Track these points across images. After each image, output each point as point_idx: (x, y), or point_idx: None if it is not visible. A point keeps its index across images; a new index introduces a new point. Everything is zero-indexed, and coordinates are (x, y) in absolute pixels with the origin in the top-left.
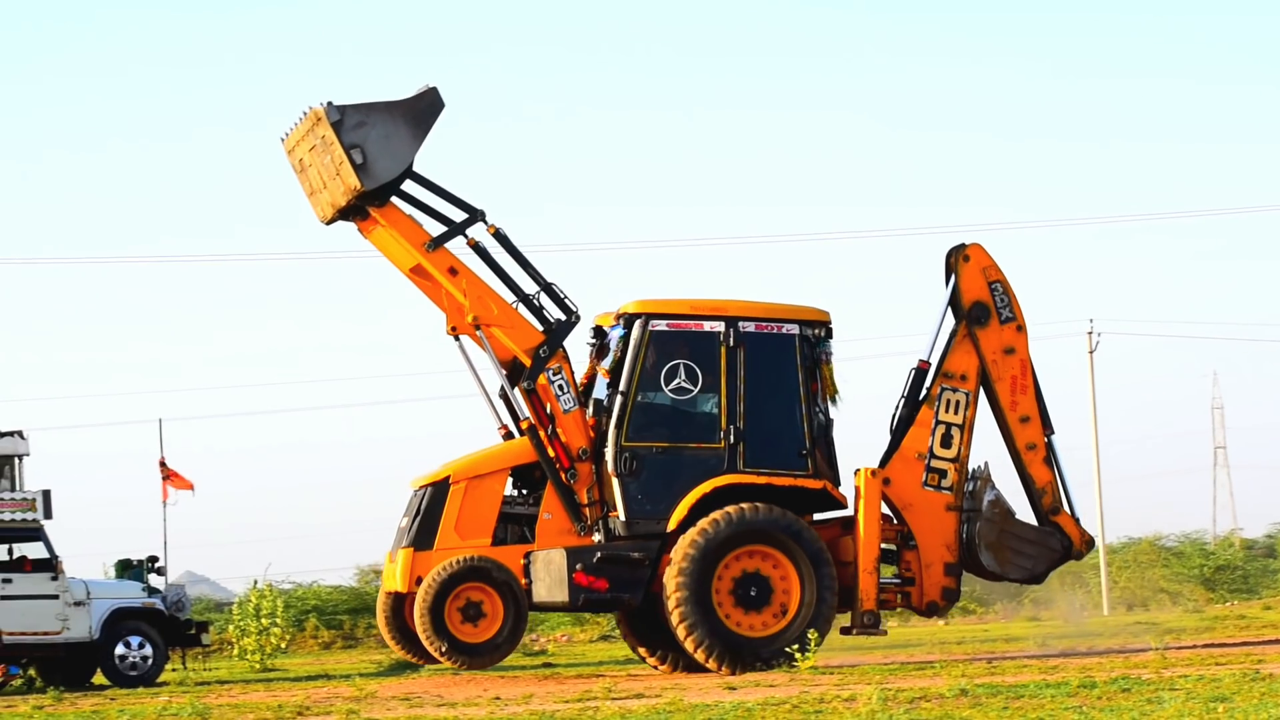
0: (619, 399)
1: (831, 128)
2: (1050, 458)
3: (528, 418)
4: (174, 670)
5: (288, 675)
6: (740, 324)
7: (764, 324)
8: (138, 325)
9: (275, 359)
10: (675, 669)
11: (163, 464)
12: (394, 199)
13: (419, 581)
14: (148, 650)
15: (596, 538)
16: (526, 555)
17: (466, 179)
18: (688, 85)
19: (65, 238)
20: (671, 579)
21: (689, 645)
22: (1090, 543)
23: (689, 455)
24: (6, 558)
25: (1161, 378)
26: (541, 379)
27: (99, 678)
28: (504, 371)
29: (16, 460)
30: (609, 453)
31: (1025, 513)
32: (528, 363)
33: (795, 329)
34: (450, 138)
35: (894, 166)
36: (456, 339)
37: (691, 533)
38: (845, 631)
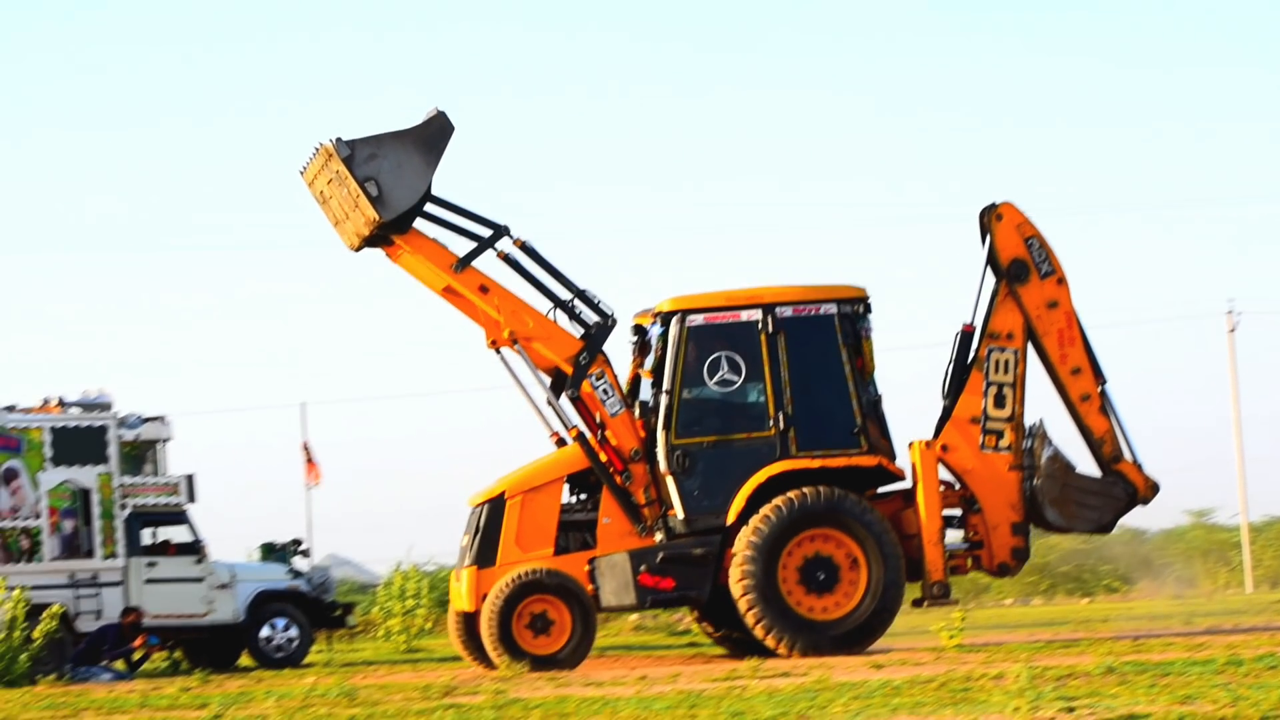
0: (664, 398)
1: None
2: (1106, 407)
3: (576, 425)
4: (319, 652)
5: (433, 656)
6: (777, 310)
7: (801, 307)
8: (282, 310)
9: (417, 342)
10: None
11: (306, 448)
12: (417, 223)
13: (484, 599)
14: (293, 632)
15: (658, 537)
16: (590, 561)
17: (489, 178)
18: (715, 65)
19: (214, 223)
20: (737, 572)
21: (761, 634)
22: (1155, 488)
23: (740, 446)
24: (151, 541)
25: None
26: (585, 386)
27: (244, 659)
28: (549, 381)
29: (160, 445)
30: (660, 452)
31: (1086, 465)
32: (569, 371)
33: (834, 308)
34: (471, 138)
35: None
36: (497, 352)
37: (751, 524)
38: (917, 604)
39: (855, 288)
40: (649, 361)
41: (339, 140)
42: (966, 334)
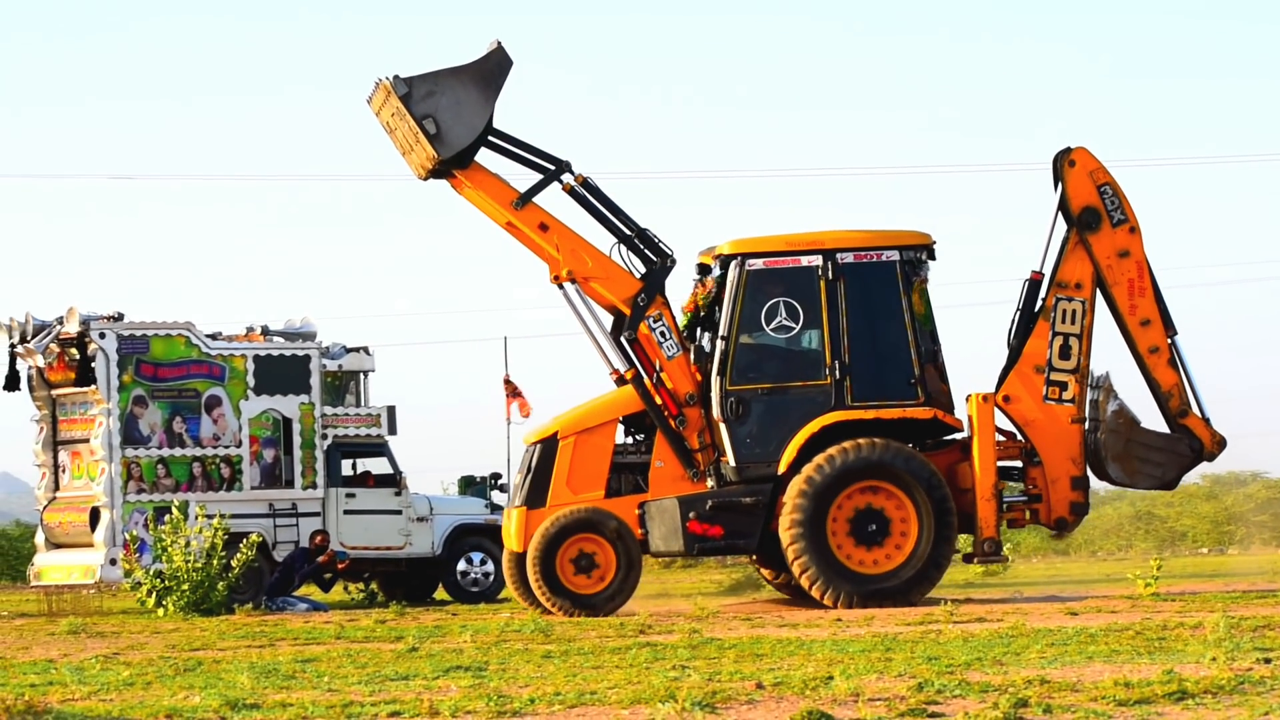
0: (720, 343)
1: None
2: (1175, 360)
3: (633, 366)
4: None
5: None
6: (838, 255)
7: (863, 253)
8: (483, 244)
9: None
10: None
11: (507, 382)
12: (481, 157)
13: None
14: (489, 566)
15: (710, 484)
16: (641, 505)
17: (555, 119)
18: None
19: None
20: (786, 522)
21: (808, 586)
22: (1222, 443)
23: (795, 394)
24: (351, 473)
25: None
26: (642, 328)
27: (440, 593)
28: (610, 319)
29: (362, 376)
30: (714, 398)
31: (1152, 418)
32: (628, 312)
33: (896, 254)
34: (532, 81)
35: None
36: (561, 287)
37: (802, 474)
38: (967, 560)
39: (919, 233)
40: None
41: (396, 78)
42: (1034, 282)
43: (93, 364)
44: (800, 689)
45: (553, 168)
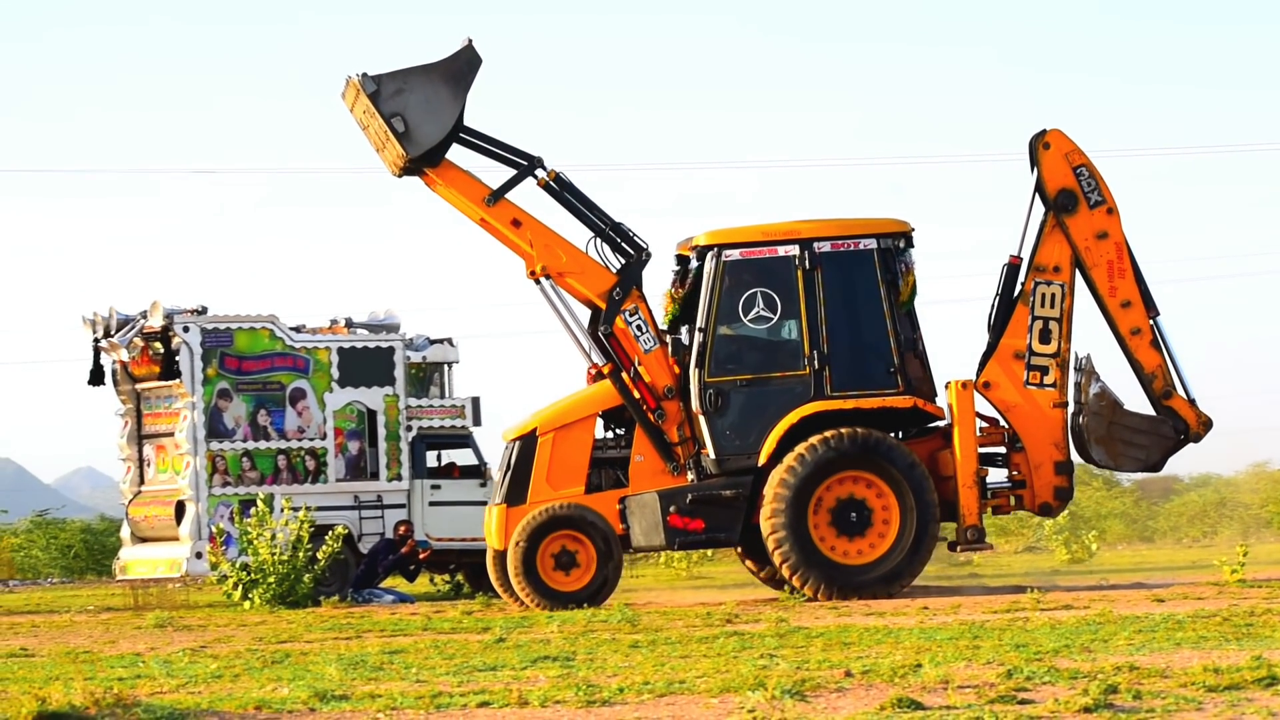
0: (698, 335)
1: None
2: (1157, 341)
3: (610, 361)
4: None
5: (714, 583)
6: (815, 245)
7: (840, 242)
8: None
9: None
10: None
11: (592, 371)
12: (451, 156)
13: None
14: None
15: (690, 477)
16: (621, 500)
17: (528, 113)
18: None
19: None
20: (767, 513)
21: (789, 576)
22: (1208, 424)
23: (775, 385)
24: (436, 464)
25: None
26: (619, 322)
27: None
28: (589, 315)
29: (446, 368)
30: (693, 390)
31: (1136, 401)
32: (604, 306)
33: (873, 243)
34: (502, 75)
35: None
36: (538, 283)
37: (782, 465)
38: (951, 548)
39: (897, 221)
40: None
41: (365, 76)
42: (1013, 267)
43: (177, 358)
44: (889, 677)
45: (525, 164)
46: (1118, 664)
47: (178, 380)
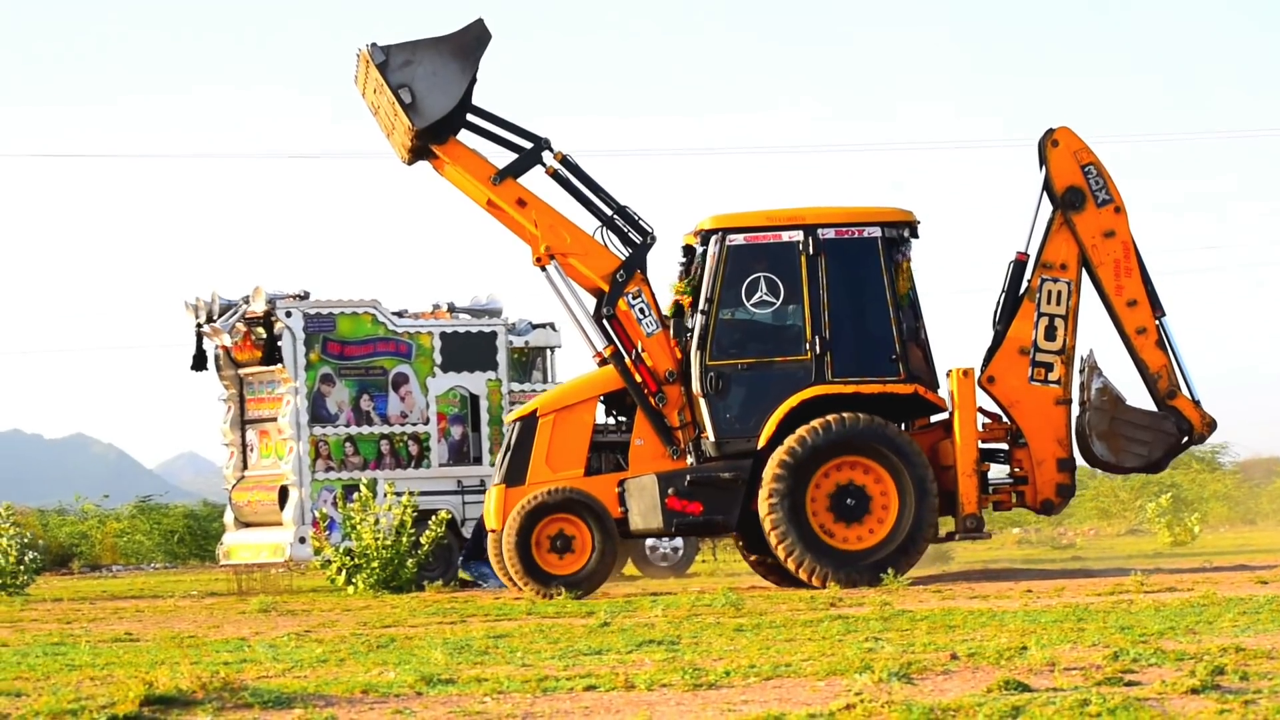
0: (700, 318)
1: None
2: (1162, 341)
3: (611, 344)
4: (703, 562)
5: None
6: (819, 231)
7: (844, 229)
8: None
9: None
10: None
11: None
12: (460, 135)
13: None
14: (678, 541)
15: (689, 461)
16: (621, 483)
17: (536, 95)
18: None
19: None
20: (765, 497)
21: (786, 562)
22: (1212, 424)
23: (776, 370)
24: None
25: None
26: (621, 305)
27: (629, 568)
28: (594, 298)
29: (549, 352)
30: (694, 373)
31: (1140, 400)
32: (607, 290)
33: (878, 231)
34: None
35: None
36: (543, 269)
37: (781, 449)
38: (949, 537)
39: (901, 210)
40: (685, 282)
41: (374, 46)
42: (1020, 263)
43: (279, 343)
44: (995, 659)
45: (532, 144)
46: (1223, 645)
47: (280, 365)
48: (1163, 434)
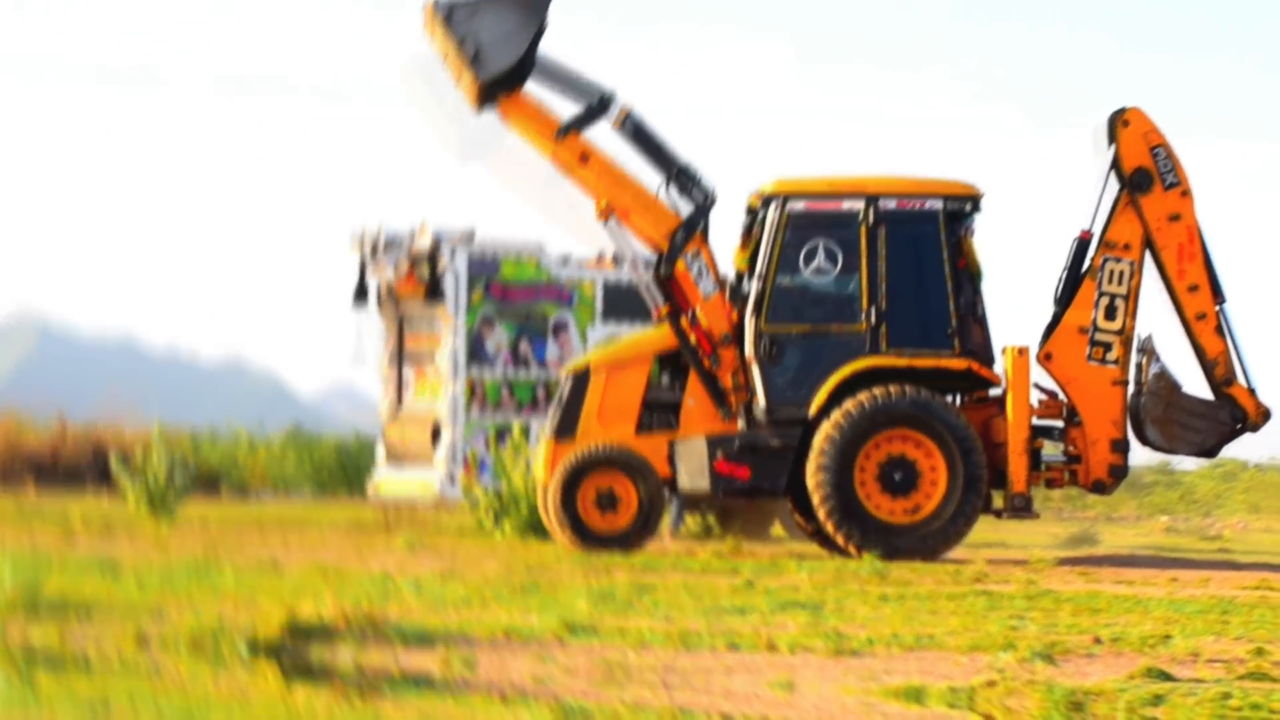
0: (757, 283)
1: None
2: (1222, 327)
3: (669, 303)
4: None
5: (965, 541)
6: (881, 201)
7: (906, 200)
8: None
9: None
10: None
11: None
12: (526, 87)
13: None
14: None
15: (740, 424)
16: (671, 443)
17: (612, 54)
18: None
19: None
20: (814, 466)
21: (832, 532)
22: (1267, 414)
23: (830, 338)
24: None
25: None
26: (680, 264)
27: (777, 529)
28: (655, 256)
29: None
30: (748, 338)
31: (1196, 385)
32: (665, 249)
33: (939, 204)
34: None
35: None
36: (605, 224)
37: (831, 419)
38: (997, 514)
39: (966, 184)
40: (745, 246)
41: (438, 0)
42: (1083, 241)
43: (442, 281)
44: (1138, 646)
45: (597, 98)
46: None
47: (442, 304)
48: (1217, 422)
